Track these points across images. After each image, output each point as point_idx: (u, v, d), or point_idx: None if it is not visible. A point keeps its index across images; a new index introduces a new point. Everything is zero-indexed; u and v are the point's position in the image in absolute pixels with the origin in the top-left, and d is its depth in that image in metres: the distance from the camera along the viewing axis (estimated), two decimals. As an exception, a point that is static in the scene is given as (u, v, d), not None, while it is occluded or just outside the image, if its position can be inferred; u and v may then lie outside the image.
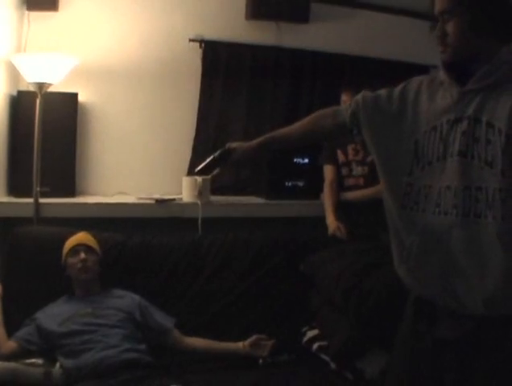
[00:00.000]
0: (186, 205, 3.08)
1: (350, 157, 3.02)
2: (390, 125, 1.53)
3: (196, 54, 3.38)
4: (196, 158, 3.31)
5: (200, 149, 3.37)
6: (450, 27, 1.36)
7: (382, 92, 1.59)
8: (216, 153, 1.75)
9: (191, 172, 3.26)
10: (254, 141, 1.74)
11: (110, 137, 3.27)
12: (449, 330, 1.41)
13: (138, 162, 3.33)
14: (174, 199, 3.08)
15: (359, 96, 1.63)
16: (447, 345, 1.41)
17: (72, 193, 3.02)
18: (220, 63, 3.43)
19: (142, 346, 2.22)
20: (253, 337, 2.40)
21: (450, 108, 1.41)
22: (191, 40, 3.35)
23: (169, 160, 3.36)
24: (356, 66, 3.60)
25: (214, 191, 3.30)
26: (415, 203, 1.46)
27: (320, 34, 3.59)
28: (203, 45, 3.38)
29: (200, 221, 3.00)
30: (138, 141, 3.33)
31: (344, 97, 2.90)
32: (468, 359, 1.38)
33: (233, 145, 1.76)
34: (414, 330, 1.53)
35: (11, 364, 1.96)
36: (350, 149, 3.01)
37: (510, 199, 1.28)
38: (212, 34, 3.40)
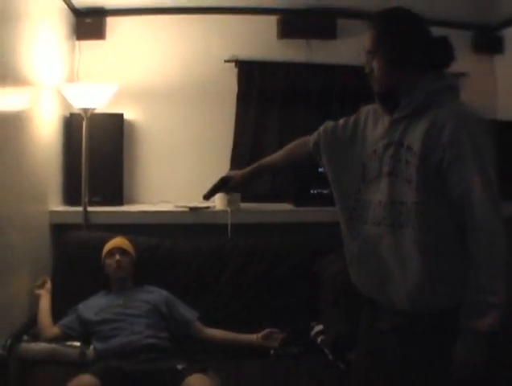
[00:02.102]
0: (218, 212, 3.37)
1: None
2: (344, 150, 1.77)
3: (231, 73, 3.66)
4: (234, 169, 3.57)
5: (237, 162, 3.62)
6: (374, 64, 1.61)
7: (340, 121, 1.84)
8: (217, 181, 2.05)
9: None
10: (246, 170, 2.02)
11: (154, 152, 3.64)
12: (384, 324, 1.65)
13: (180, 173, 3.64)
14: (208, 207, 3.40)
15: (321, 127, 1.87)
16: (384, 335, 1.65)
17: (120, 202, 3.40)
18: (255, 81, 3.67)
19: (164, 334, 2.55)
20: (267, 330, 2.67)
21: (383, 134, 1.65)
22: (226, 61, 3.63)
23: (208, 172, 3.53)
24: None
25: (249, 199, 3.55)
26: (360, 215, 1.70)
27: (348, 49, 3.73)
28: (238, 65, 3.64)
29: (229, 227, 3.30)
30: (180, 155, 3.66)
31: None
32: (400, 346, 1.61)
33: (231, 173, 2.06)
34: (366, 326, 1.77)
35: (51, 345, 2.38)
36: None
37: (424, 211, 1.51)
38: (246, 54, 3.67)
